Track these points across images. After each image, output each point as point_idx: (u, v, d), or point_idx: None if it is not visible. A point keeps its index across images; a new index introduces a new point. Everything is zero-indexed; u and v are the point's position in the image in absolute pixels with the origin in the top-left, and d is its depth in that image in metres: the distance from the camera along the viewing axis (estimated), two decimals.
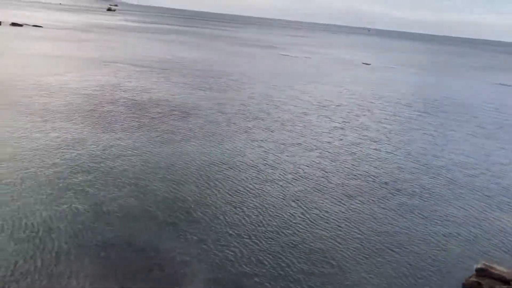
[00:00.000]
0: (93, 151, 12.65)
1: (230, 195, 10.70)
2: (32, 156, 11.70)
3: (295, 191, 11.34)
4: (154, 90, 22.54)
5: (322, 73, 38.50)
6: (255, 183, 11.59)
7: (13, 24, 54.27)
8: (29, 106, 16.72)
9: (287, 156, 14.15)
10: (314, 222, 9.78)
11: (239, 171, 12.38)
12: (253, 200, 10.52)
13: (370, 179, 12.87)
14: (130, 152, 12.89)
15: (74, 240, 8.04)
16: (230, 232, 8.93)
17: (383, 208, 10.93)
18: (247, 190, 11.11)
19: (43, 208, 9.05)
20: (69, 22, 73.44)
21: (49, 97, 18.53)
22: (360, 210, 10.63)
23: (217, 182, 11.37)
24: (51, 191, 9.83)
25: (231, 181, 11.58)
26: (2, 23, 53.82)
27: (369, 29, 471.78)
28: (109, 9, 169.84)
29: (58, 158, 11.80)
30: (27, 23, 57.71)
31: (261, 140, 15.54)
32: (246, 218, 9.60)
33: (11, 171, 10.63)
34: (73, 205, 9.28)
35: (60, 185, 10.17)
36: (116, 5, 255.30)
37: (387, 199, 11.50)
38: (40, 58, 29.45)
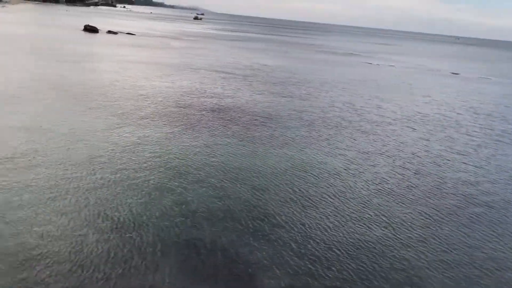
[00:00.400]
0: (181, 153, 13.30)
1: (311, 202, 10.74)
2: (126, 156, 12.55)
3: (377, 202, 11.13)
4: (237, 96, 23.18)
5: (407, 82, 37.27)
6: (337, 191, 11.54)
7: (109, 32, 58.45)
8: (124, 108, 17.93)
9: (370, 165, 13.91)
10: (397, 235, 9.53)
11: (321, 178, 12.38)
12: (334, 209, 10.48)
13: (458, 193, 12.28)
14: (215, 156, 13.39)
15: (161, 236, 8.50)
16: (311, 239, 8.98)
17: (475, 224, 10.39)
18: (329, 198, 11.09)
19: (135, 204, 9.67)
20: (159, 30, 77.65)
21: (143, 100, 19.73)
22: (447, 227, 10.19)
23: (298, 189, 11.46)
24: (142, 188, 10.49)
25: (312, 188, 11.62)
26: (99, 31, 58.20)
27: (458, 37, 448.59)
28: (195, 18, 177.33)
29: (149, 158, 12.56)
30: (121, 31, 61.86)
31: (343, 148, 15.41)
32: (328, 225, 9.59)
33: (106, 168, 11.49)
34: (162, 203, 9.83)
35: (150, 183, 10.81)
36: (202, 14, 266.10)
37: (479, 216, 10.90)
38: (133, 64, 31.43)
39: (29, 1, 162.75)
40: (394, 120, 21.04)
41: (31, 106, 16.66)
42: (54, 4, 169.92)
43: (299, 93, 26.22)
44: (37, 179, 10.33)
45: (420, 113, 23.46)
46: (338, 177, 12.62)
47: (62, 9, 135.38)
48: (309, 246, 8.67)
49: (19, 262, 7.24)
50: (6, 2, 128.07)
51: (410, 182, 12.79)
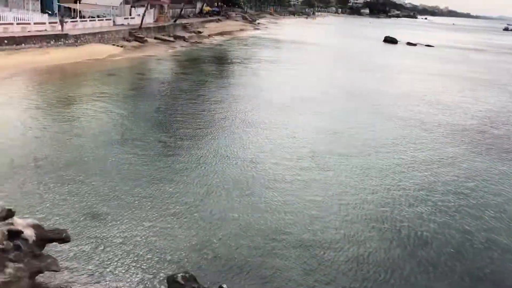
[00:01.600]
0: (472, 175, 12.24)
1: None
2: (412, 167, 12.32)
3: None
4: None
5: None
6: None
7: (408, 44, 58.27)
8: (420, 120, 17.51)
9: None
10: None
11: None
12: None
13: None
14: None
15: (447, 255, 8.15)
16: None
17: None
18: None
19: (419, 219, 9.42)
20: (461, 42, 73.06)
21: (439, 114, 18.93)
22: None
23: None
24: (426, 204, 10.12)
25: None
26: (398, 42, 58.69)
27: None
28: (506, 29, 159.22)
29: (434, 175, 11.99)
30: (420, 42, 60.73)
31: None
32: None
33: (393, 178, 11.43)
34: (453, 223, 9.32)
35: (435, 201, 10.33)
36: None
37: None
38: (430, 76, 30.48)
39: (337, 14, 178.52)
40: None
41: (332, 111, 18.04)
42: (358, 16, 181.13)
43: None
44: (333, 180, 11.13)
45: None
46: None
47: (365, 21, 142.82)
48: None
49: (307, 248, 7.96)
50: (317, 15, 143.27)
51: None
